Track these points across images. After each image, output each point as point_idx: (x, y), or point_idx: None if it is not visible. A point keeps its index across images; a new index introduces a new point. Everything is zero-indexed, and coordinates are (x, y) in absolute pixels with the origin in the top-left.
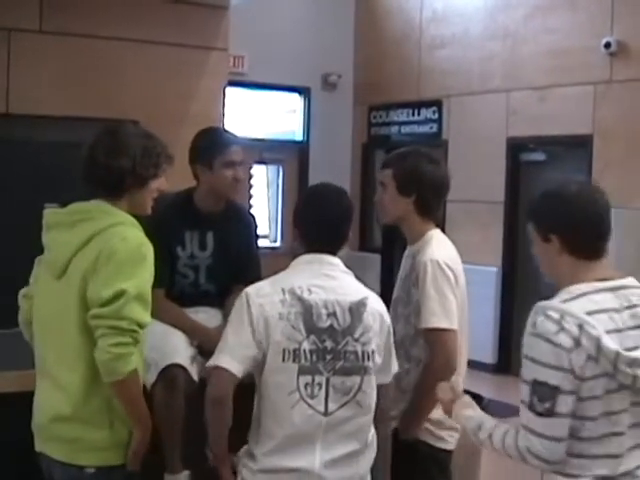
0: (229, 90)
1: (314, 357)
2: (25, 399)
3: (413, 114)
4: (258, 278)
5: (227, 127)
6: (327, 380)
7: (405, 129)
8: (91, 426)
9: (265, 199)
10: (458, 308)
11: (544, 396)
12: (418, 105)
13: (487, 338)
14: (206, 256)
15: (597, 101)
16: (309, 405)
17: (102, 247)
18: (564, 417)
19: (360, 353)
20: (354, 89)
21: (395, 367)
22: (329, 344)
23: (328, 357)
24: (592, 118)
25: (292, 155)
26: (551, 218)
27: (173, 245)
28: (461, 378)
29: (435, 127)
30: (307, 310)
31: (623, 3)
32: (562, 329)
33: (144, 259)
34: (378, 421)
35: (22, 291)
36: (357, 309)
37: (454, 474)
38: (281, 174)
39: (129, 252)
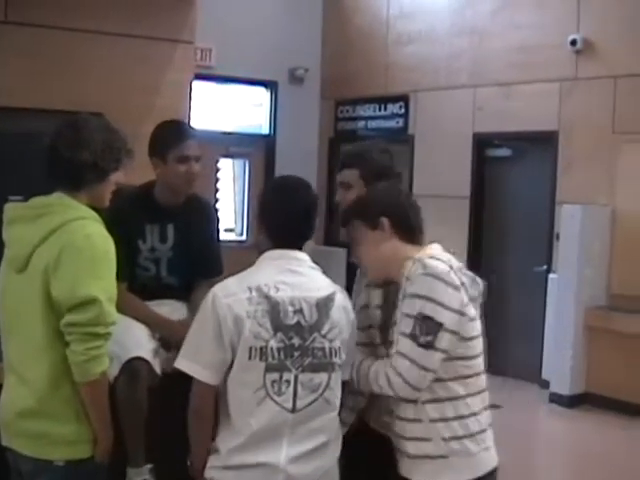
0: (196, 83)
1: (282, 354)
2: None
3: (380, 109)
4: (220, 272)
5: (190, 120)
6: (295, 377)
7: (372, 124)
8: (57, 420)
9: (231, 193)
10: None
11: (429, 330)
12: (385, 100)
13: None
14: (167, 249)
15: (563, 98)
16: (276, 402)
17: (64, 242)
18: (440, 352)
19: (327, 349)
20: (321, 83)
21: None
22: (296, 341)
23: (296, 354)
24: (557, 115)
25: (259, 149)
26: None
27: (134, 238)
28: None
29: (402, 122)
30: (274, 308)
31: (589, 1)
32: (451, 268)
33: (108, 257)
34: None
35: None
36: (324, 305)
37: None
38: (247, 168)
39: (95, 251)
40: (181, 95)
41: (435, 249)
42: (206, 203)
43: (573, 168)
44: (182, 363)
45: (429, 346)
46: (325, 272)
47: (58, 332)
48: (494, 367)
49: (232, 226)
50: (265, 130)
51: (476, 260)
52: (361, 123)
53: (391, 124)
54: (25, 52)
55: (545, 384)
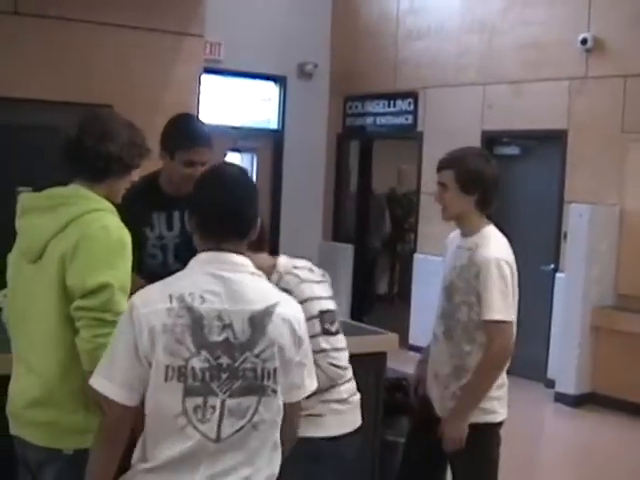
0: (205, 77)
1: (207, 376)
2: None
3: (389, 105)
4: None
5: (198, 114)
6: (222, 402)
7: (380, 120)
8: (67, 409)
9: None
10: (514, 302)
11: (332, 319)
12: (394, 96)
13: None
14: (173, 236)
15: (572, 96)
16: (198, 431)
17: (82, 233)
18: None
19: (260, 371)
20: (330, 79)
21: (312, 384)
22: (225, 361)
23: (224, 376)
24: (567, 113)
25: (267, 144)
26: None
27: (141, 227)
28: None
29: (410, 119)
30: (196, 322)
31: (600, 0)
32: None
33: (125, 248)
34: (285, 440)
35: (3, 291)
36: (260, 320)
37: None
38: (255, 162)
39: (111, 241)
40: (190, 89)
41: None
42: None
43: (581, 167)
44: (96, 380)
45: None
46: (332, 268)
47: (70, 322)
48: None
49: None
50: (273, 125)
51: None
52: (370, 119)
53: (400, 121)
54: (34, 44)
55: (551, 383)
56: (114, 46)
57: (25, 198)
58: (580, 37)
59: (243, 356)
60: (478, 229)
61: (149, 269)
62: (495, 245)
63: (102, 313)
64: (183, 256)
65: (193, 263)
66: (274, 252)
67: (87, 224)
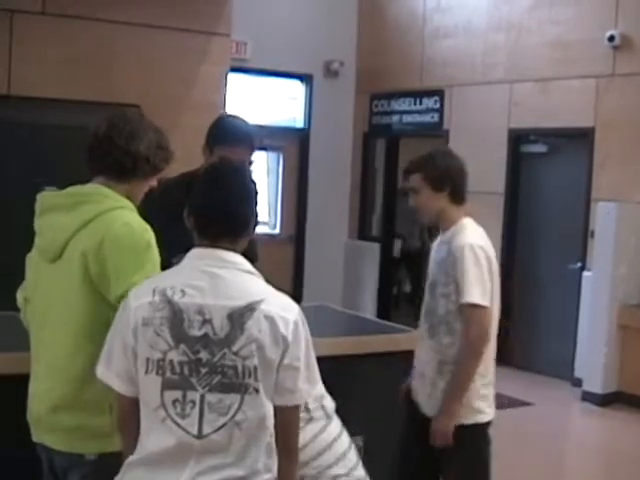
0: (231, 76)
1: (185, 370)
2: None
3: (415, 103)
4: (256, 258)
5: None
6: (202, 397)
7: (407, 118)
8: (92, 413)
9: (265, 186)
10: (492, 293)
11: None
12: (420, 94)
13: None
14: None
15: (599, 94)
16: (178, 425)
17: (105, 231)
18: None
19: (240, 368)
20: (356, 77)
21: (310, 389)
22: (204, 356)
23: (203, 371)
24: (594, 111)
25: (293, 142)
26: None
27: (175, 220)
28: (491, 364)
29: (437, 117)
30: (175, 315)
31: None
32: None
33: (150, 246)
34: (282, 455)
35: (21, 293)
36: (239, 316)
37: None
38: (281, 161)
39: (135, 240)
40: (217, 88)
41: None
42: None
43: (609, 165)
44: (99, 369)
45: None
46: (355, 267)
47: (98, 320)
48: (526, 364)
49: (265, 219)
50: (299, 123)
51: (510, 257)
52: (396, 117)
53: (426, 119)
54: (62, 44)
55: (578, 382)
56: (141, 46)
57: (44, 197)
58: (607, 34)
59: (221, 352)
60: (455, 222)
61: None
62: (470, 233)
63: None
64: None
65: (186, 259)
66: (299, 252)
67: (109, 222)
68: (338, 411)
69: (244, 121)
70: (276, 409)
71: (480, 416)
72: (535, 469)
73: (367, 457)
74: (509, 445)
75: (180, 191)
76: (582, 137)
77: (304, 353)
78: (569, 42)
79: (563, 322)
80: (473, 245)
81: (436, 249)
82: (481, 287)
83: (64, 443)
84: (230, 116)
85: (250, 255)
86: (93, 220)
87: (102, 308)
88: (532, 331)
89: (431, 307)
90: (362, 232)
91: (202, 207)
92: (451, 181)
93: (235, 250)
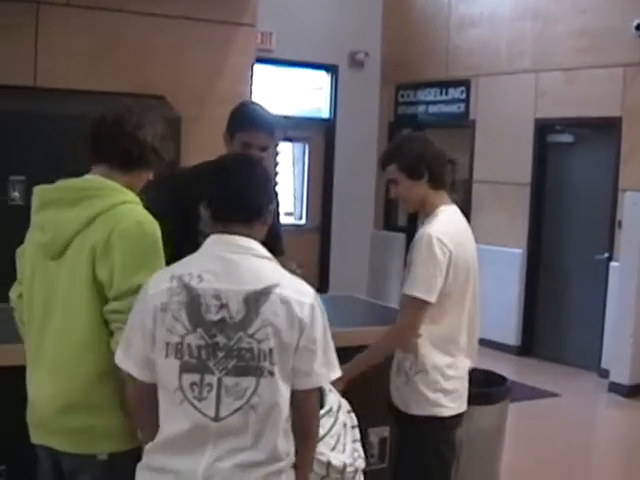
0: (257, 67)
1: (202, 354)
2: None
3: (441, 93)
4: (282, 251)
5: (273, 109)
6: (219, 381)
7: (432, 108)
8: (103, 412)
9: (291, 176)
10: (459, 285)
11: None
12: (446, 85)
13: (511, 320)
14: None
15: (626, 83)
16: (195, 408)
17: (114, 226)
18: None
19: (256, 351)
20: (381, 67)
21: (329, 372)
22: (220, 340)
23: (220, 354)
24: (621, 100)
25: (318, 133)
26: None
27: (196, 204)
28: (469, 360)
29: (463, 107)
30: (193, 300)
31: None
32: None
33: (158, 243)
34: (300, 440)
35: (14, 292)
36: (254, 300)
37: (474, 457)
38: (307, 152)
39: (146, 238)
40: (242, 79)
41: None
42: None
43: (636, 154)
44: (118, 355)
45: None
46: (381, 257)
47: (103, 319)
48: (553, 354)
49: (291, 210)
50: (325, 114)
51: (536, 247)
52: (421, 108)
53: (452, 109)
54: (87, 35)
55: (605, 373)
56: (166, 37)
57: (42, 191)
58: (634, 23)
59: (237, 335)
60: (435, 208)
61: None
62: (437, 223)
63: None
64: None
65: (204, 245)
66: (325, 242)
67: (119, 217)
68: (366, 400)
69: (264, 108)
70: (294, 393)
71: (437, 409)
72: (561, 460)
73: None
74: (536, 436)
75: (203, 173)
76: (609, 127)
77: (321, 336)
78: (595, 31)
79: (590, 313)
80: (432, 236)
81: None
82: (427, 280)
83: (74, 444)
84: (250, 102)
85: (276, 250)
86: (101, 215)
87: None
88: (559, 322)
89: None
90: (388, 222)
91: (215, 194)
92: (427, 167)
93: (250, 236)
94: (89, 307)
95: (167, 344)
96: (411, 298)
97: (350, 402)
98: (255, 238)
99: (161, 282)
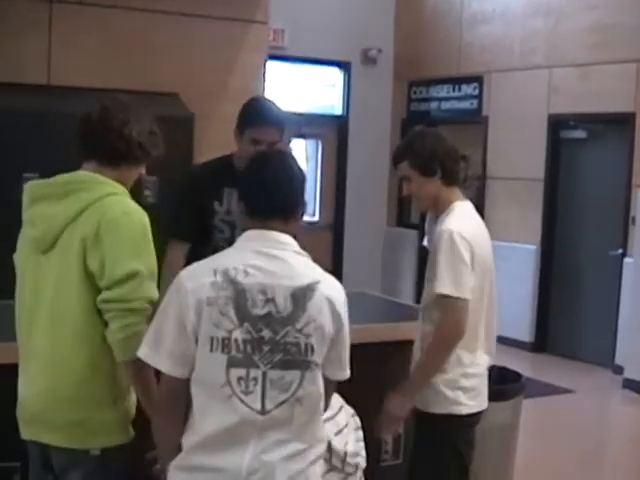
0: (269, 64)
1: (248, 348)
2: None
3: (453, 90)
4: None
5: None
6: (264, 374)
7: (445, 105)
8: (96, 406)
9: None
10: (477, 281)
11: None
12: (458, 81)
13: (525, 316)
14: None
15: None
16: (243, 402)
17: (101, 217)
18: None
19: (303, 345)
20: (394, 64)
21: (347, 370)
22: (266, 334)
23: (265, 349)
24: (634, 96)
25: (331, 130)
26: None
27: (211, 200)
28: (488, 356)
29: (475, 103)
30: (240, 295)
31: None
32: None
33: (147, 232)
34: None
35: None
36: (302, 296)
37: (488, 453)
38: (320, 148)
39: (134, 227)
40: (255, 76)
41: None
42: None
43: None
44: (143, 351)
45: None
46: (392, 254)
47: (96, 312)
48: (567, 351)
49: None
50: (338, 111)
51: (550, 243)
52: (434, 104)
53: (465, 105)
54: (101, 33)
55: (619, 369)
56: (179, 35)
57: (32, 187)
58: None
59: (284, 330)
60: (448, 204)
61: (215, 243)
62: (455, 219)
63: (130, 302)
64: None
65: (239, 241)
66: (338, 239)
67: (106, 209)
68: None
69: (274, 103)
70: (329, 384)
71: (456, 407)
72: (575, 456)
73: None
74: (550, 432)
75: (217, 170)
76: (622, 122)
77: (346, 335)
78: (608, 26)
79: (604, 309)
80: (453, 232)
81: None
82: (454, 277)
83: (66, 439)
84: (259, 98)
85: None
86: (89, 207)
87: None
88: (573, 318)
89: (423, 292)
90: (400, 219)
91: (254, 189)
92: (440, 163)
93: (285, 232)
94: (80, 299)
95: (212, 338)
96: (443, 297)
97: (365, 397)
98: (290, 233)
99: (201, 275)
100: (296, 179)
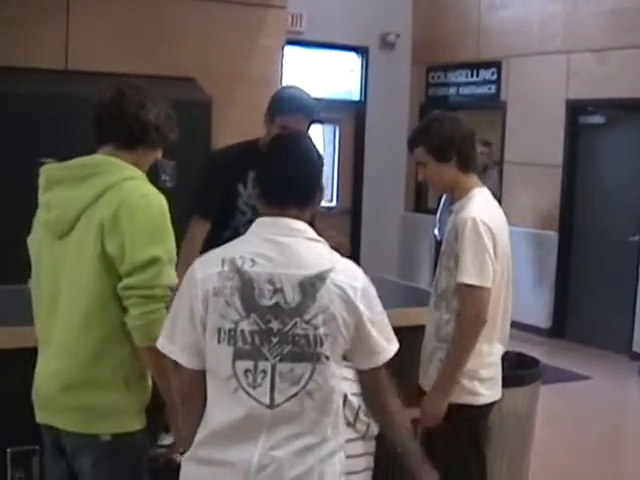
0: (287, 49)
1: (256, 340)
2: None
3: (472, 75)
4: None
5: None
6: (273, 367)
7: (463, 90)
8: (106, 390)
9: None
10: (499, 268)
11: None
12: (477, 66)
13: (542, 302)
14: None
15: None
16: (250, 395)
17: (120, 202)
18: None
19: (312, 337)
20: (412, 49)
21: (390, 346)
22: (275, 325)
23: (274, 340)
24: None
25: (349, 115)
26: None
27: (235, 182)
28: (502, 345)
29: (494, 88)
30: (246, 284)
31: None
32: None
33: (166, 217)
34: (381, 417)
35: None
36: (311, 285)
37: (505, 439)
38: (337, 134)
39: (153, 211)
40: (273, 61)
41: None
42: None
43: None
44: (160, 341)
45: None
46: (411, 240)
47: (111, 296)
48: (585, 337)
49: None
50: (355, 96)
51: (568, 229)
52: (452, 89)
53: (483, 90)
54: (118, 18)
55: (636, 356)
56: (197, 19)
57: (48, 170)
58: None
59: (293, 321)
60: (466, 192)
61: (236, 225)
62: (476, 206)
63: (151, 290)
64: None
65: (253, 228)
66: (356, 225)
67: (124, 193)
68: (399, 381)
69: (306, 92)
70: (362, 373)
71: (473, 397)
72: (592, 442)
73: None
74: (566, 419)
75: (243, 154)
76: None
77: (378, 314)
78: (627, 11)
79: (621, 295)
80: (476, 219)
81: (450, 219)
82: (479, 266)
83: (77, 424)
84: (292, 86)
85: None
86: (106, 192)
87: (114, 284)
88: (590, 304)
89: (437, 279)
90: (418, 204)
91: (270, 174)
92: (456, 149)
93: (300, 218)
94: (97, 282)
95: (219, 330)
96: (466, 287)
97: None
98: (304, 220)
99: (211, 265)
100: (314, 165)
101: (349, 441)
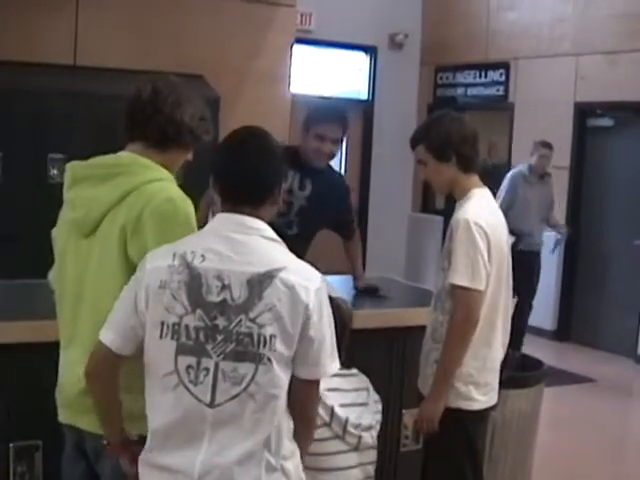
0: (296, 47)
1: (201, 336)
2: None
3: (480, 76)
4: (354, 230)
5: (290, 84)
6: (216, 365)
7: (471, 91)
8: (129, 393)
9: None
10: (495, 270)
11: None
12: (485, 67)
13: (548, 304)
14: (303, 196)
15: None
16: (191, 392)
17: (145, 204)
18: None
19: (256, 336)
20: (421, 49)
21: (331, 365)
22: (221, 322)
23: (219, 338)
24: None
25: (357, 114)
26: None
27: None
28: (502, 349)
29: (502, 90)
30: (194, 280)
31: None
32: None
33: (191, 222)
34: (301, 424)
35: (53, 273)
36: (258, 283)
37: (508, 440)
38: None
39: (178, 216)
40: (281, 59)
41: None
42: (342, 177)
43: None
44: (102, 331)
45: None
46: (417, 240)
47: None
48: (590, 340)
49: None
50: (363, 95)
51: (574, 231)
52: (460, 90)
53: (491, 92)
54: (127, 14)
55: None
56: (206, 16)
57: (75, 167)
58: None
59: (238, 318)
60: (466, 192)
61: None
62: (472, 207)
63: None
64: (304, 219)
65: (210, 223)
66: (362, 224)
67: (150, 195)
68: (403, 381)
69: (339, 103)
70: (297, 382)
71: (466, 402)
72: (596, 445)
73: None
74: (570, 421)
75: (285, 155)
76: None
77: (327, 325)
78: (636, 14)
79: (627, 298)
80: (469, 221)
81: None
82: (470, 267)
83: (97, 425)
84: (327, 98)
85: (348, 229)
86: (132, 192)
87: None
88: (596, 307)
89: (436, 280)
90: (425, 205)
91: (223, 172)
92: (455, 149)
93: (258, 216)
94: (120, 284)
95: (162, 323)
96: (457, 288)
97: (387, 382)
98: (262, 219)
99: (161, 258)
100: (269, 162)
101: (339, 453)
